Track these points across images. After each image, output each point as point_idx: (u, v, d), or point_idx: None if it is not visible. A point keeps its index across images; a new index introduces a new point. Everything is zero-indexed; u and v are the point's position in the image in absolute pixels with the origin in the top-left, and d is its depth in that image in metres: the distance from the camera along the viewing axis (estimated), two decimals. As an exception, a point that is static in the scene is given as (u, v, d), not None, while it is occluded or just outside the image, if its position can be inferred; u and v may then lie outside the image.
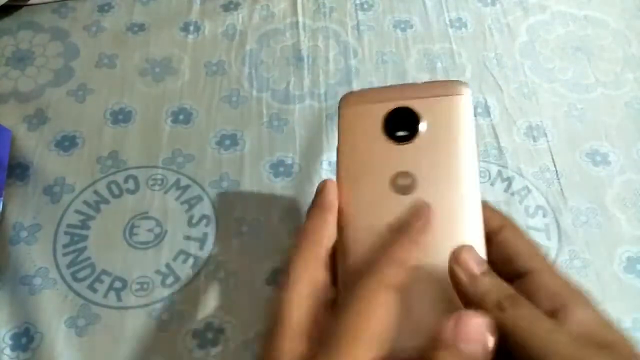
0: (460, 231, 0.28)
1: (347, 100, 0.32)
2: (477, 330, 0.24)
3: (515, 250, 0.29)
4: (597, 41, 0.58)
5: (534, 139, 0.51)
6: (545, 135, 0.51)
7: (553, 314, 0.25)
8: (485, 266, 0.27)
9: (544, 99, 0.54)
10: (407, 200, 0.28)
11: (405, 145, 0.29)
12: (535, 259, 0.29)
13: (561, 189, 0.48)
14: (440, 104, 0.30)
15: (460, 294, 0.26)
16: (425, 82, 0.31)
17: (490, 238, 0.29)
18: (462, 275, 0.26)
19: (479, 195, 0.29)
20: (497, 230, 0.29)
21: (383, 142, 0.30)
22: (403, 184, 0.29)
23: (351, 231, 0.29)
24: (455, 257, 0.27)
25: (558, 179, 0.48)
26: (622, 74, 0.56)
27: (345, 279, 0.28)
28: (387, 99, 0.30)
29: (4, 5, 0.58)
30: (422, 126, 0.30)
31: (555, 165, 0.49)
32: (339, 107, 0.32)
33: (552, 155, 0.50)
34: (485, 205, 0.30)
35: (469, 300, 0.26)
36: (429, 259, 0.27)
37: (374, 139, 0.30)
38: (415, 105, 0.30)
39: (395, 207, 0.28)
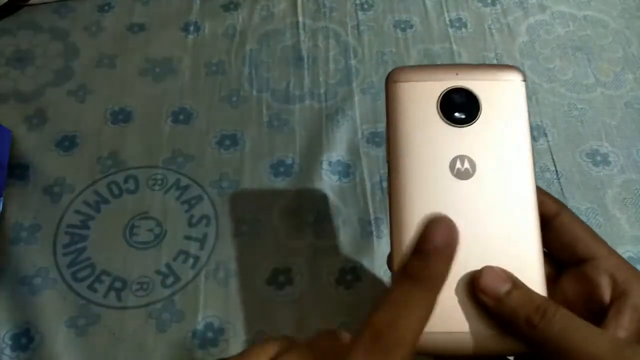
0: (516, 219, 0.28)
1: (397, 75, 0.30)
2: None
3: (575, 236, 0.29)
4: (597, 41, 0.58)
5: (534, 139, 0.51)
6: (545, 135, 0.51)
7: (613, 300, 0.26)
8: (510, 283, 0.26)
9: (544, 99, 0.54)
10: (465, 185, 0.28)
11: (464, 129, 0.29)
12: (596, 244, 0.29)
13: (561, 189, 0.48)
14: (497, 87, 0.29)
15: (492, 316, 0.26)
16: (480, 64, 0.31)
17: (547, 223, 0.29)
18: (488, 300, 0.26)
19: (534, 182, 0.29)
20: (553, 215, 0.29)
21: (440, 124, 0.29)
22: (462, 168, 0.28)
23: (410, 214, 0.28)
24: (476, 284, 0.26)
25: (558, 179, 0.48)
26: (622, 74, 0.56)
27: (400, 264, 0.27)
28: (442, 78, 0.30)
29: (4, 5, 0.58)
30: (481, 109, 0.29)
31: (555, 165, 0.49)
32: (387, 82, 0.30)
33: (552, 155, 0.50)
34: (541, 191, 0.30)
35: (501, 320, 0.26)
36: (483, 247, 0.27)
37: (430, 119, 0.29)
38: (473, 86, 0.29)
39: (456, 192, 0.28)
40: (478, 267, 0.27)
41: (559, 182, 0.48)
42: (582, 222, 0.30)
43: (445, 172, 0.28)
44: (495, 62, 0.56)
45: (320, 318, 0.42)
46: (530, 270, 0.27)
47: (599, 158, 0.50)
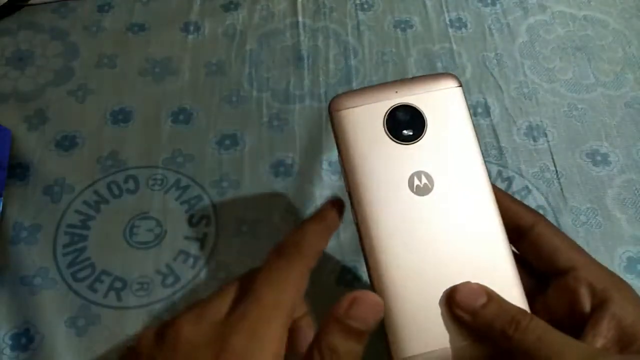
0: (480, 227, 0.28)
1: (339, 102, 0.30)
2: (365, 310, 0.25)
3: (553, 246, 0.29)
4: (597, 41, 0.58)
5: (534, 139, 0.51)
6: (545, 135, 0.51)
7: (593, 309, 0.26)
8: (485, 296, 0.26)
9: (544, 99, 0.54)
10: (426, 201, 0.28)
11: (414, 144, 0.29)
12: (575, 254, 0.28)
13: (561, 189, 0.48)
14: (435, 98, 0.30)
15: (470, 329, 0.27)
16: (414, 77, 0.31)
17: (524, 234, 0.29)
18: (464, 315, 0.26)
19: (489, 186, 0.29)
20: (530, 226, 0.29)
21: (391, 144, 0.29)
22: (421, 184, 0.28)
23: (379, 239, 0.28)
24: (452, 299, 0.27)
25: (558, 179, 0.48)
26: (622, 74, 0.56)
27: (380, 288, 0.28)
28: (382, 98, 0.30)
29: (4, 5, 0.58)
30: (426, 122, 0.29)
31: (555, 165, 0.49)
32: (330, 112, 0.30)
33: (552, 155, 0.50)
34: (516, 202, 0.30)
35: (478, 333, 0.26)
36: (452, 262, 0.28)
37: (380, 141, 0.29)
38: (414, 101, 0.29)
39: (418, 209, 0.28)
40: (449, 284, 0.27)
41: (559, 182, 0.48)
42: (560, 232, 0.29)
43: (405, 191, 0.28)
44: (495, 62, 0.56)
45: (320, 318, 0.42)
46: (503, 280, 0.27)
47: (599, 158, 0.50)
